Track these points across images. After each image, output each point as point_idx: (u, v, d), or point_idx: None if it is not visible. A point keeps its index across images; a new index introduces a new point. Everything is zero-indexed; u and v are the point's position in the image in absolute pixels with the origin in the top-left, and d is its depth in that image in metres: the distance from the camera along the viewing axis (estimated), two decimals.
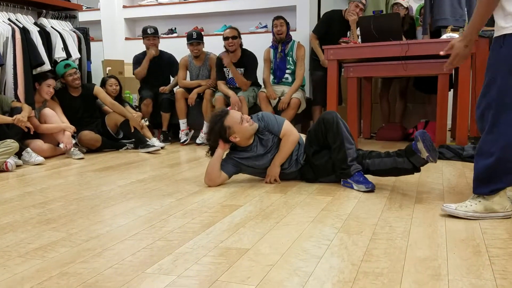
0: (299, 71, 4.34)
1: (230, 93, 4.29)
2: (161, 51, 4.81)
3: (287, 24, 4.35)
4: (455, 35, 3.46)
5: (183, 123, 4.61)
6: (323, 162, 2.58)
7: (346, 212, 2.01)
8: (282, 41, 4.34)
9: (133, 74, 4.85)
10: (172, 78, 4.93)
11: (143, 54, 4.80)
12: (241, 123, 2.53)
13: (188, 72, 4.77)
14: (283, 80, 4.43)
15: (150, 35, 4.71)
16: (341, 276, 1.34)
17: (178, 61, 4.79)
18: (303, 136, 2.73)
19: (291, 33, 4.45)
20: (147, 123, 4.37)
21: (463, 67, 3.45)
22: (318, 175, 2.63)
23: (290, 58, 4.38)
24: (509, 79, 1.78)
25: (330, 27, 4.45)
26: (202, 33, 4.73)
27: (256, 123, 2.59)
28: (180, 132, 4.62)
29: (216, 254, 1.55)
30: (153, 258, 1.52)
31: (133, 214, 2.07)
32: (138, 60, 4.82)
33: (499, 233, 1.70)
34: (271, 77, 4.48)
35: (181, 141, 4.58)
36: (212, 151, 2.65)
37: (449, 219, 1.88)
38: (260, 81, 4.59)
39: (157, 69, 4.81)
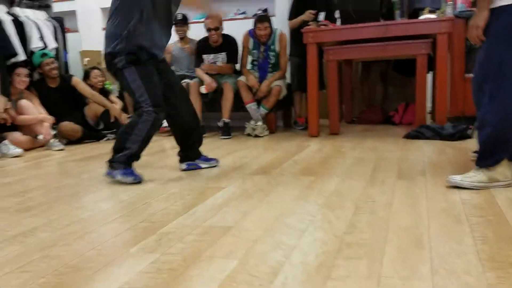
0: (283, 61, 4.26)
1: (205, 77, 4.23)
2: None
3: (270, 24, 4.22)
4: (432, 16, 3.49)
5: None
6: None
7: (329, 190, 2.02)
8: (265, 43, 4.26)
9: None
10: None
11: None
12: None
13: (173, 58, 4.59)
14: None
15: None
16: (324, 247, 1.35)
17: None
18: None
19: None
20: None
21: (441, 48, 3.49)
22: None
23: (272, 53, 4.29)
24: (505, 51, 1.82)
25: (305, 6, 4.32)
26: None
27: None
28: None
29: (199, 232, 1.54)
30: (137, 238, 1.51)
31: (116, 199, 2.04)
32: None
33: (477, 203, 1.73)
34: (249, 66, 4.39)
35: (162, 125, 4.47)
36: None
37: (430, 192, 1.90)
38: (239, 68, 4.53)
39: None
